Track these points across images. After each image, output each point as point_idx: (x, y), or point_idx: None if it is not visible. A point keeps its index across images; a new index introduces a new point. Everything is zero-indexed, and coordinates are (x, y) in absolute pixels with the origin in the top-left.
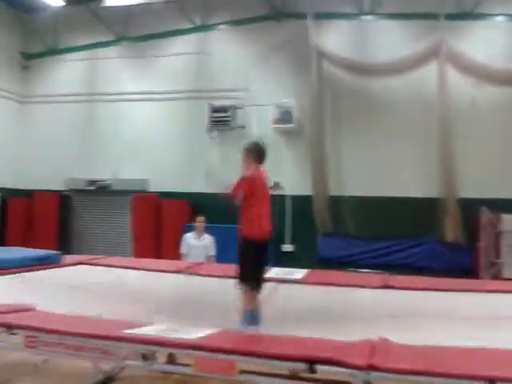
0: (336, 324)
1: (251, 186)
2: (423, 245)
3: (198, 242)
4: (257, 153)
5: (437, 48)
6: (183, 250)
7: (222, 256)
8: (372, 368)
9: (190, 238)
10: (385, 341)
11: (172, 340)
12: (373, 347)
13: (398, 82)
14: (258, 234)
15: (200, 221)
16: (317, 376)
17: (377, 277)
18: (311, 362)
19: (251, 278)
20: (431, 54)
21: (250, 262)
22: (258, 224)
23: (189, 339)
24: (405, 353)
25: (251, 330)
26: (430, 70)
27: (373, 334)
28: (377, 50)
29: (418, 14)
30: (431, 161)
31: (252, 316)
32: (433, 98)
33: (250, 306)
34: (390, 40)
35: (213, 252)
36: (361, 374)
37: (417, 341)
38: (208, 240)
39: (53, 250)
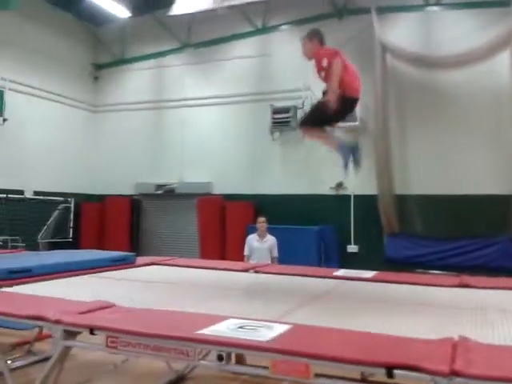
0: (411, 319)
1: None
2: (496, 245)
3: (260, 244)
4: (317, 36)
5: (508, 37)
6: (246, 251)
7: (284, 258)
8: (455, 374)
9: (252, 239)
10: (465, 340)
11: (247, 342)
12: (454, 348)
13: (467, 75)
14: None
15: (261, 221)
16: (395, 381)
17: (451, 278)
18: (390, 367)
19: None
20: (503, 44)
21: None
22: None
23: (263, 341)
24: (488, 354)
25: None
26: (502, 61)
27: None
28: (444, 41)
29: (487, 1)
30: (503, 156)
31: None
32: (505, 90)
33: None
34: (457, 31)
35: (276, 253)
36: (444, 381)
37: (496, 339)
38: (271, 241)
39: (125, 251)
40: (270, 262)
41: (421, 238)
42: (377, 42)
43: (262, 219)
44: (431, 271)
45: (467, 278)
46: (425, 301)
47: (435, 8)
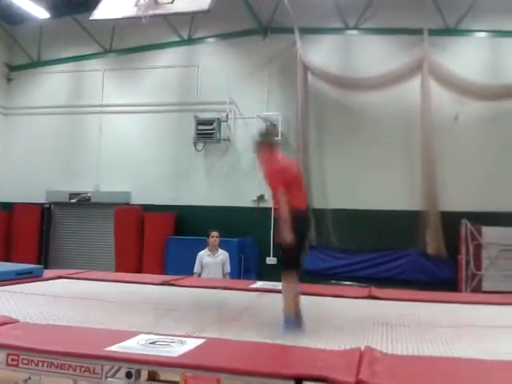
0: (322, 332)
1: (283, 171)
2: (406, 257)
3: (212, 259)
4: (268, 142)
5: (420, 63)
6: (197, 268)
7: None
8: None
9: (203, 255)
10: (371, 350)
11: (154, 358)
12: (360, 358)
13: (382, 97)
14: (300, 204)
15: (214, 236)
16: None
17: (361, 290)
18: (299, 379)
19: (296, 260)
20: (415, 69)
21: (297, 240)
22: (296, 198)
23: (173, 356)
24: (391, 364)
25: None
26: (414, 85)
27: (359, 342)
28: (362, 64)
29: (403, 29)
30: (414, 174)
31: (295, 317)
32: (416, 112)
33: (291, 306)
34: (374, 54)
35: (228, 269)
36: None
37: (399, 349)
38: (223, 256)
39: (33, 263)
40: (221, 277)
41: (336, 251)
42: (299, 61)
43: (214, 233)
44: (344, 282)
45: (376, 290)
46: (329, 312)
47: (354, 32)
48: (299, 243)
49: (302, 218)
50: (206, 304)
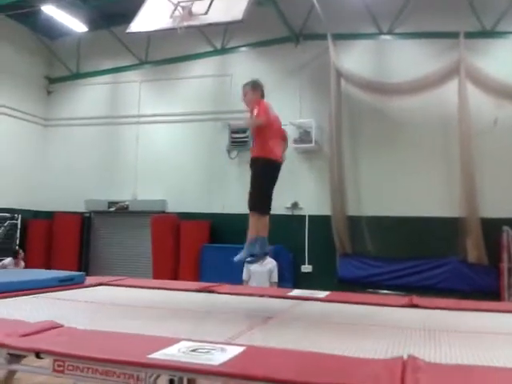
0: (363, 340)
1: (267, 109)
2: (445, 266)
3: (260, 267)
4: (260, 87)
5: (457, 67)
6: (245, 276)
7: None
8: None
9: None
10: (414, 359)
11: (197, 366)
12: (403, 368)
13: (417, 102)
14: (270, 154)
15: None
16: None
17: (400, 298)
18: None
19: (261, 201)
20: (451, 73)
21: (261, 184)
22: (269, 147)
23: (214, 365)
24: (435, 373)
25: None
26: (451, 90)
27: (400, 350)
28: (396, 69)
29: (438, 32)
30: (453, 180)
31: (256, 241)
32: (454, 116)
33: (254, 232)
34: (409, 59)
35: (276, 278)
36: None
37: (443, 358)
38: (271, 264)
39: (74, 270)
40: (268, 286)
41: (372, 259)
42: (332, 67)
43: None
44: (381, 291)
45: (416, 299)
46: (375, 321)
47: (388, 37)
48: (267, 188)
49: (274, 167)
50: (244, 311)
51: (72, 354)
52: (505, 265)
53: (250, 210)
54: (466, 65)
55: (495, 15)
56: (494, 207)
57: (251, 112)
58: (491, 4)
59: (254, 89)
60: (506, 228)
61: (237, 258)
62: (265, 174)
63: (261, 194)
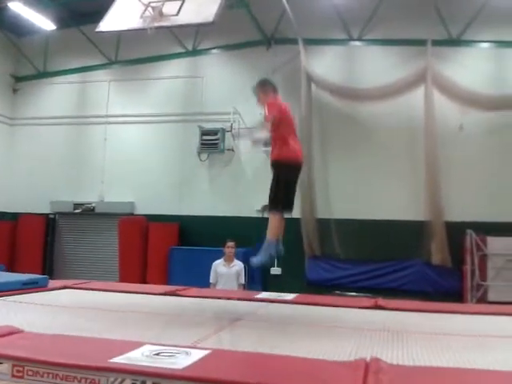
0: (326, 343)
1: (279, 108)
2: (410, 268)
3: (227, 269)
4: (271, 84)
5: (424, 73)
6: (212, 278)
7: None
8: None
9: (219, 265)
10: (377, 361)
11: (160, 370)
12: (366, 369)
13: (385, 107)
14: (292, 156)
15: (230, 246)
16: None
17: (366, 300)
18: None
19: (282, 204)
20: (418, 80)
21: (283, 187)
22: (290, 147)
23: (178, 369)
24: (397, 375)
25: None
26: (418, 96)
27: (364, 352)
28: (365, 75)
29: (406, 39)
30: (419, 184)
31: (273, 245)
32: (421, 122)
33: (275, 234)
34: (378, 65)
35: (243, 280)
36: None
37: (406, 360)
38: (238, 267)
39: (38, 273)
40: (236, 288)
41: (340, 261)
42: (303, 72)
43: (231, 243)
44: (348, 293)
45: (381, 301)
46: (340, 323)
47: (358, 43)
48: (290, 189)
49: (296, 169)
50: (210, 314)
51: (31, 359)
52: (468, 267)
53: (272, 210)
54: (433, 72)
55: (462, 24)
56: (459, 211)
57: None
58: (458, 13)
59: (263, 88)
60: (469, 231)
61: (256, 260)
62: (288, 177)
63: (283, 196)
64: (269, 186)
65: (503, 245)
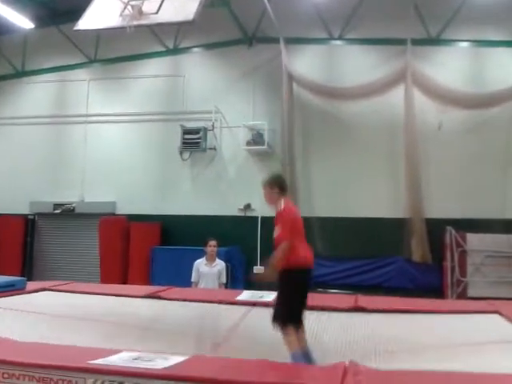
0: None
1: (293, 217)
2: (392, 265)
3: (209, 269)
4: (280, 183)
5: (404, 72)
6: (194, 277)
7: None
8: None
9: (201, 264)
10: (355, 365)
11: (140, 370)
12: (344, 373)
13: (366, 106)
14: (304, 263)
15: (212, 245)
16: None
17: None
18: None
19: (293, 317)
20: (398, 79)
21: (295, 297)
22: (302, 254)
23: (156, 368)
24: (375, 379)
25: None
26: (398, 94)
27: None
28: (346, 74)
29: (386, 39)
30: (399, 182)
31: (303, 355)
32: (401, 120)
33: (296, 346)
34: (358, 64)
35: (224, 279)
36: None
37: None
38: (220, 266)
39: (17, 275)
40: (217, 287)
41: (322, 259)
42: (284, 70)
43: (212, 242)
44: (331, 290)
45: (362, 299)
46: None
47: (339, 42)
48: (300, 298)
49: (309, 276)
50: (192, 322)
51: (6, 361)
52: (448, 263)
53: (285, 324)
54: (413, 71)
55: (441, 23)
56: (438, 208)
57: (275, 223)
58: (437, 13)
59: (272, 186)
60: (449, 228)
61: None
62: (301, 286)
63: (294, 308)
64: (245, 186)
65: (482, 241)
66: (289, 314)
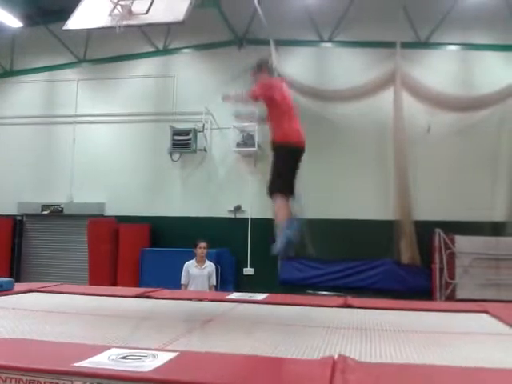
0: (294, 341)
1: (270, 86)
2: (380, 267)
3: (199, 271)
4: (267, 64)
5: (393, 75)
6: (184, 279)
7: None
8: None
9: (191, 266)
10: (344, 359)
11: (125, 373)
12: (333, 368)
13: (356, 108)
14: (290, 139)
15: (202, 247)
16: None
17: (336, 299)
18: None
19: (283, 187)
20: (387, 81)
21: (283, 169)
22: (287, 129)
23: (144, 371)
24: (364, 372)
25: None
26: (387, 97)
27: (332, 350)
28: (335, 76)
29: (376, 42)
30: (388, 184)
31: (288, 223)
32: (389, 123)
33: (284, 215)
34: (348, 67)
35: (214, 281)
36: None
37: (373, 357)
38: (210, 268)
39: (5, 277)
40: (207, 290)
41: (312, 261)
42: (274, 72)
43: (202, 244)
44: (320, 292)
45: (350, 299)
46: (310, 322)
47: (329, 44)
48: (289, 173)
49: (296, 152)
50: (180, 315)
51: None
52: (437, 265)
53: (273, 193)
54: (402, 74)
55: (430, 26)
56: (427, 210)
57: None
58: (426, 16)
59: (261, 68)
60: (438, 230)
61: (276, 249)
62: (286, 159)
63: (283, 179)
64: (236, 188)
65: (471, 243)
66: (280, 184)
